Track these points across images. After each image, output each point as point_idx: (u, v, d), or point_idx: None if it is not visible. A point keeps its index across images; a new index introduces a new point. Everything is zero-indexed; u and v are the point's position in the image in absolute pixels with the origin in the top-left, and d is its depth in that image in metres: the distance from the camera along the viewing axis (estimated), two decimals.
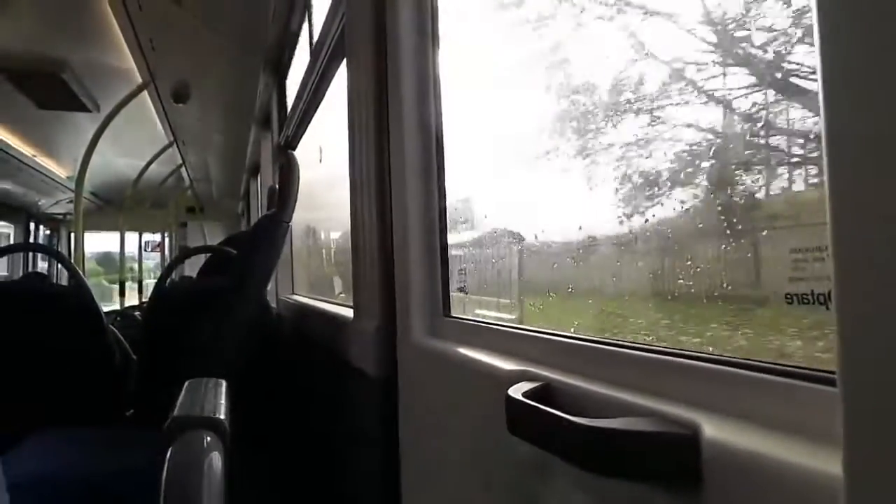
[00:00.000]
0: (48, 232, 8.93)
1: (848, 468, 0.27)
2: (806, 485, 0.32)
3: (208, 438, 0.51)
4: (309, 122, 2.54)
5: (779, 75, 0.47)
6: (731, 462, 0.37)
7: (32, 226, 8.31)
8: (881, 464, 0.26)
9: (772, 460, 0.35)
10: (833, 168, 0.27)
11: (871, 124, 0.26)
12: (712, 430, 0.40)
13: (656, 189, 0.58)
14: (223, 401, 0.59)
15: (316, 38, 2.14)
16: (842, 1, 0.27)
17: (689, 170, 0.55)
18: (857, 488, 0.27)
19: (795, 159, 0.47)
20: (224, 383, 0.66)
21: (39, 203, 7.64)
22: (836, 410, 0.28)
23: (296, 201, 1.95)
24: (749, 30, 0.50)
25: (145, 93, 3.94)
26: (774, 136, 0.47)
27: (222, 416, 0.55)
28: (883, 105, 0.25)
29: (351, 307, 1.37)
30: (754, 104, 0.49)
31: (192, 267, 5.09)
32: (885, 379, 0.26)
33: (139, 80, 3.72)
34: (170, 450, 0.50)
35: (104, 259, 11.43)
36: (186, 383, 0.65)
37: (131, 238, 8.24)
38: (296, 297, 2.94)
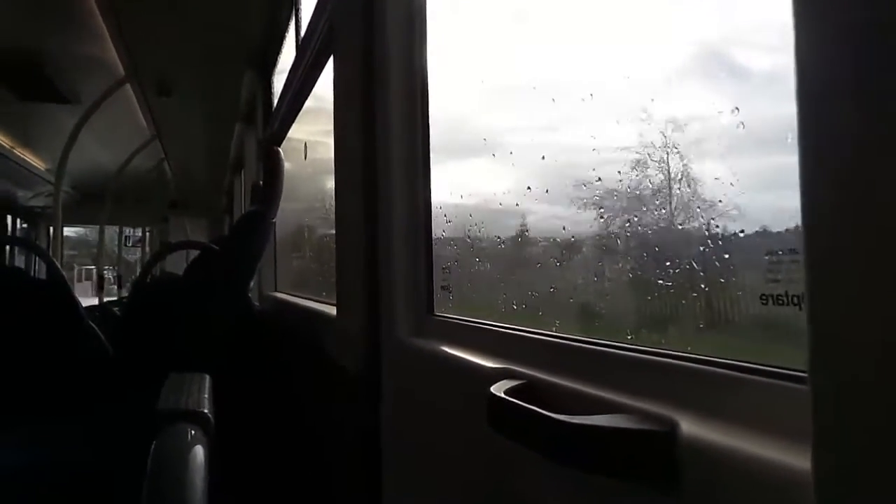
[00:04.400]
0: (25, 225, 8.78)
1: (816, 463, 0.28)
2: (778, 479, 0.33)
3: (193, 431, 0.51)
4: (295, 119, 2.53)
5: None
6: (708, 457, 0.38)
7: (10, 219, 8.17)
8: (847, 459, 0.27)
9: (746, 455, 0.36)
10: (805, 170, 0.28)
11: (844, 123, 0.26)
12: (689, 426, 0.41)
13: None
14: (207, 395, 0.59)
15: (303, 33, 2.13)
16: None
17: None
18: (825, 483, 0.28)
19: None
20: (207, 377, 0.66)
21: (17, 196, 7.51)
22: (807, 408, 0.29)
23: (280, 198, 1.94)
24: None
25: (127, 86, 3.89)
26: None
27: (206, 410, 0.55)
28: (863, 105, 0.26)
29: (334, 305, 1.37)
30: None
31: (172, 264, 5.04)
32: (852, 378, 0.27)
33: (122, 72, 3.67)
34: (154, 442, 0.50)
35: None
36: (170, 376, 0.64)
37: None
38: (279, 294, 2.93)
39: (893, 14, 0.24)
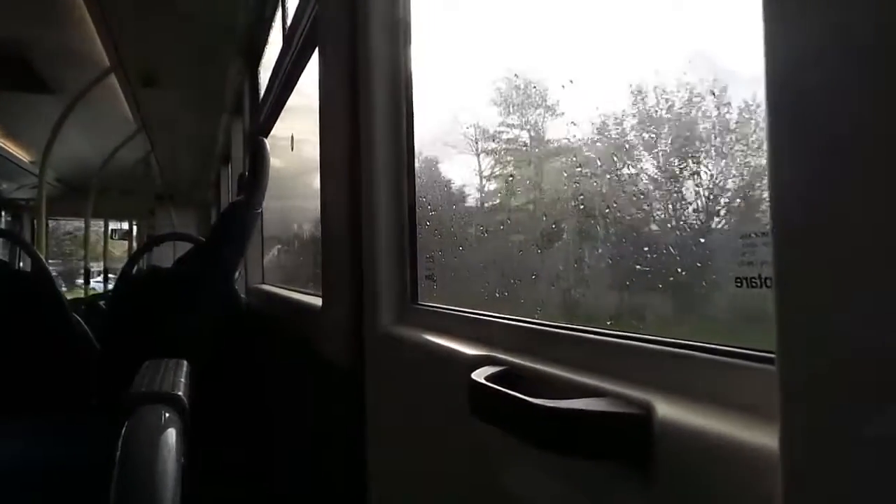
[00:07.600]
0: (9, 218, 8.67)
1: (783, 442, 0.29)
2: (747, 458, 0.34)
3: (166, 414, 0.51)
4: (281, 110, 2.51)
5: None
6: (681, 439, 0.39)
7: None
8: (812, 438, 0.27)
9: (718, 436, 0.36)
10: (774, 156, 0.28)
11: (812, 122, 0.27)
12: (664, 409, 0.41)
13: None
14: (183, 379, 0.58)
15: (289, 23, 2.12)
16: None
17: None
18: (791, 460, 0.29)
19: None
20: (185, 363, 0.66)
21: (0, 188, 7.40)
22: (774, 388, 0.29)
23: (266, 188, 1.93)
24: None
25: (113, 76, 3.84)
26: None
27: (181, 393, 0.55)
28: (832, 105, 0.26)
29: (319, 296, 1.37)
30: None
31: (160, 258, 5.00)
32: (818, 359, 0.27)
33: (106, 62, 3.62)
34: (126, 423, 0.49)
35: None
36: (146, 363, 0.64)
37: None
38: (265, 286, 2.91)
39: (861, 17, 0.25)
